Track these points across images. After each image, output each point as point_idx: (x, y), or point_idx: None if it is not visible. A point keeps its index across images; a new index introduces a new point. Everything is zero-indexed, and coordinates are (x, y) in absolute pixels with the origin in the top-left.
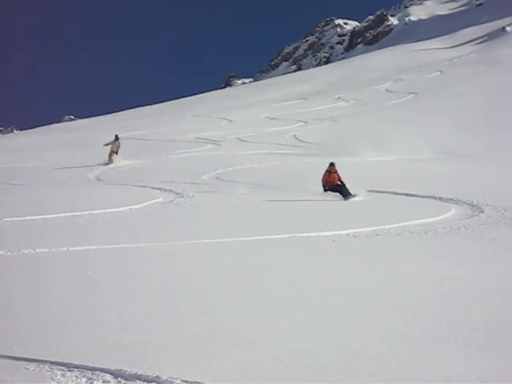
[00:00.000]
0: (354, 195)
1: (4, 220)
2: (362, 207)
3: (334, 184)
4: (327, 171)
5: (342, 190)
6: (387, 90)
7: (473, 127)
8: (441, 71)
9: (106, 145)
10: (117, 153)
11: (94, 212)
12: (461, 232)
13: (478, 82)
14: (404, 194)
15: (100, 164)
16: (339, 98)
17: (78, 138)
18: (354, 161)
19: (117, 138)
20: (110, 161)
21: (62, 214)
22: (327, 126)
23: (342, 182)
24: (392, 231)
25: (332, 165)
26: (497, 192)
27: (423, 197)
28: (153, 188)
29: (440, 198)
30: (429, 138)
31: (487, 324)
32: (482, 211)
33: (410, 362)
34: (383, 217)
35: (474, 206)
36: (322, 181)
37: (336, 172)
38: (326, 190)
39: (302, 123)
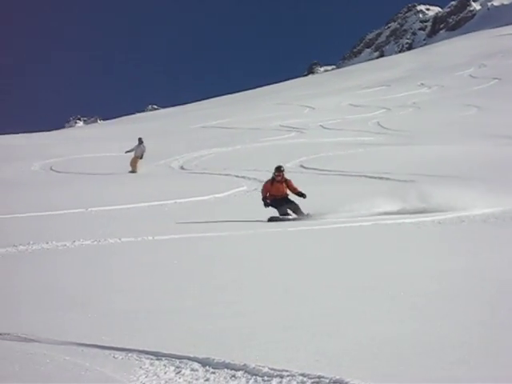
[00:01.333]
0: (307, 214)
1: (89, 209)
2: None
3: (279, 197)
4: (271, 179)
5: (294, 207)
6: (470, 75)
7: None
8: None
9: (129, 151)
10: (141, 158)
11: (178, 201)
12: None
13: None
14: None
15: (183, 154)
16: (422, 84)
17: (159, 127)
18: (441, 148)
19: (141, 141)
20: (134, 168)
21: (147, 204)
22: (410, 112)
23: (298, 193)
24: (477, 218)
25: (278, 169)
26: None
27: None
28: (237, 176)
29: None
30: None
31: None
32: None
33: (493, 349)
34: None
35: None
36: (262, 192)
37: (283, 180)
38: (266, 205)
39: (384, 110)
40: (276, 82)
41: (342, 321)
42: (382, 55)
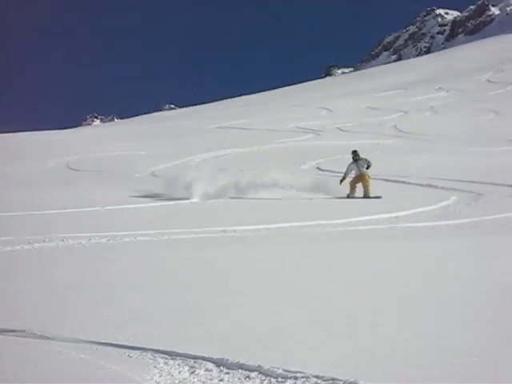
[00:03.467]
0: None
1: (105, 207)
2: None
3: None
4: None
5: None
6: (488, 80)
7: None
8: None
9: (344, 178)
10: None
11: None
12: None
13: None
14: (507, 185)
15: (199, 154)
16: (440, 88)
17: (174, 126)
18: (454, 151)
19: (356, 154)
20: (353, 190)
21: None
22: (427, 116)
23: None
24: (494, 222)
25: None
26: None
27: None
28: None
29: None
30: None
31: None
32: None
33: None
34: (482, 208)
35: None
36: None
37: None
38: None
39: (402, 113)
40: (293, 84)
41: (357, 324)
42: (399, 58)
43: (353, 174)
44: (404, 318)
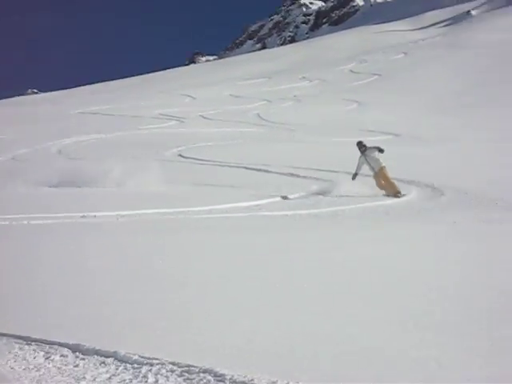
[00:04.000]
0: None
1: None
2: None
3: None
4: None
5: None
6: (351, 70)
7: (436, 110)
8: (405, 53)
9: (356, 173)
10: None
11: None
12: (421, 214)
13: (443, 65)
14: (365, 175)
15: (61, 139)
16: (303, 77)
17: (34, 112)
18: (316, 141)
19: (362, 145)
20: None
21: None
22: (291, 105)
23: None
24: (353, 212)
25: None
26: (458, 174)
27: None
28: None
29: (401, 180)
30: (391, 119)
31: (441, 307)
32: (443, 194)
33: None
34: (344, 198)
35: (435, 188)
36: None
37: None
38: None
39: (265, 102)
40: (158, 71)
41: (210, 313)
42: (264, 47)
43: (370, 170)
44: (260, 310)
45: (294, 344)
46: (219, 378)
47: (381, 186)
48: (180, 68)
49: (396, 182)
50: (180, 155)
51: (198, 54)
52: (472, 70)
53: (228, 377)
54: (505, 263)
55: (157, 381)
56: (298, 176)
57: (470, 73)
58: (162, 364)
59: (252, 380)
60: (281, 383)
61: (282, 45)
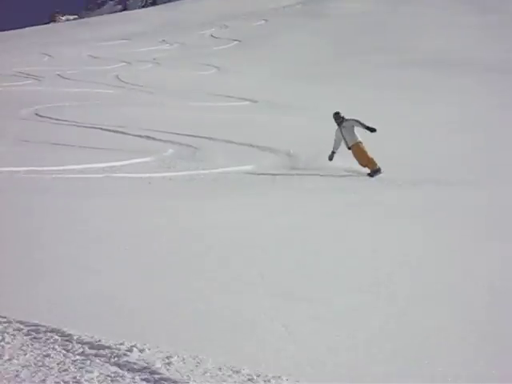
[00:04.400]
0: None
1: None
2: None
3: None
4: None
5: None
6: (212, 35)
7: (295, 78)
8: (266, 20)
9: (333, 152)
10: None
11: None
12: (276, 180)
13: (303, 33)
14: (223, 141)
15: None
16: (163, 40)
17: None
18: (175, 105)
19: (338, 117)
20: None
21: None
22: (150, 68)
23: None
24: (208, 177)
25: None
26: (315, 143)
27: (241, 144)
28: None
29: (258, 147)
30: (250, 85)
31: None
32: (299, 161)
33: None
34: (197, 162)
35: (291, 155)
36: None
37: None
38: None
39: (124, 64)
40: (16, 29)
41: (64, 274)
42: (125, 9)
43: (344, 144)
44: (108, 272)
45: (142, 306)
46: (66, 338)
47: (363, 163)
48: (39, 27)
49: (375, 159)
50: (36, 114)
51: (57, 13)
52: (332, 39)
53: (75, 337)
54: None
55: (3, 339)
56: (154, 139)
57: (330, 42)
58: (9, 322)
59: (99, 341)
60: (127, 344)
61: (143, 7)
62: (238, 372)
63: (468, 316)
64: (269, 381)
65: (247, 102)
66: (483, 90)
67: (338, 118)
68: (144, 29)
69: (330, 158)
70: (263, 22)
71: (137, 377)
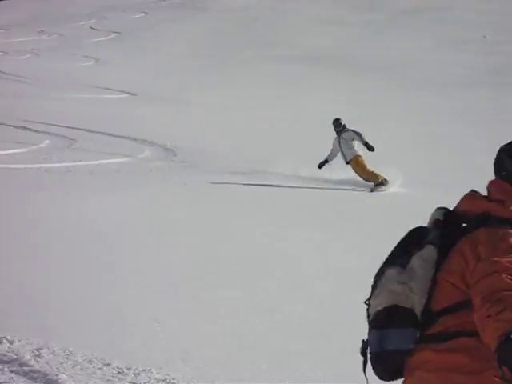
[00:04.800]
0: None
1: None
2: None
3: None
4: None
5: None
6: (91, 27)
7: (175, 71)
8: (146, 13)
9: (326, 160)
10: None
11: None
12: (152, 173)
13: (183, 27)
14: (100, 133)
15: None
16: (42, 31)
17: None
18: (53, 96)
19: (339, 124)
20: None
21: None
22: (28, 58)
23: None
24: (84, 168)
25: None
26: (192, 136)
27: (119, 136)
28: None
29: (135, 139)
30: (129, 77)
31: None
32: (175, 155)
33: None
34: (74, 154)
35: (167, 149)
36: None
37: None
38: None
39: (2, 53)
40: None
41: None
42: None
43: (341, 157)
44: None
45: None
46: None
47: (365, 177)
48: None
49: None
50: None
51: None
52: (211, 33)
53: None
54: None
55: None
56: (31, 130)
57: (209, 36)
58: None
59: None
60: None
61: None
62: (108, 365)
63: None
64: (139, 374)
65: (126, 95)
66: (358, 87)
67: (337, 125)
68: (22, 18)
69: (320, 166)
70: (143, 14)
71: (6, 368)
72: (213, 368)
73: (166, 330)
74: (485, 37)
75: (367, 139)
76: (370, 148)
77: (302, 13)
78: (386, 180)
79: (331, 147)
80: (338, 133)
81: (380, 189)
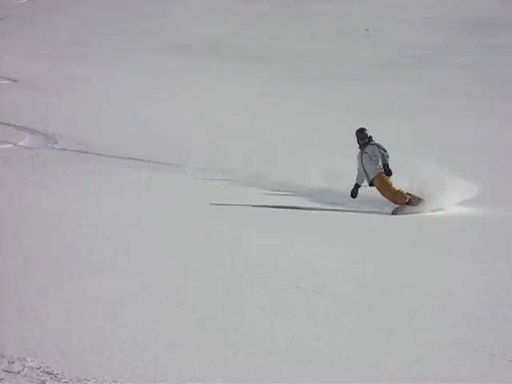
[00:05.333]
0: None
1: None
2: None
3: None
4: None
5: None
6: None
7: (55, 58)
8: None
9: (358, 185)
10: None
11: None
12: (33, 161)
13: (64, 14)
14: None
15: None
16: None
17: None
18: None
19: (364, 135)
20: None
21: None
22: None
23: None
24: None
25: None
26: (73, 124)
27: None
28: None
29: (16, 126)
30: (10, 64)
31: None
32: (56, 142)
33: None
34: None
35: (48, 136)
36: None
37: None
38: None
39: None
40: None
41: None
42: None
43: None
44: None
45: None
46: None
47: (390, 198)
48: None
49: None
50: None
51: None
52: (91, 21)
53: None
54: None
55: None
56: None
57: (89, 24)
58: None
59: None
60: None
61: None
62: None
63: None
64: (13, 362)
65: (7, 81)
66: (241, 77)
67: (362, 137)
68: None
69: (353, 195)
70: (25, 0)
71: None
72: (87, 356)
73: (40, 317)
74: (367, 29)
75: (389, 161)
76: (389, 172)
77: (187, 1)
78: (414, 199)
79: (356, 167)
80: (362, 146)
81: (410, 210)
